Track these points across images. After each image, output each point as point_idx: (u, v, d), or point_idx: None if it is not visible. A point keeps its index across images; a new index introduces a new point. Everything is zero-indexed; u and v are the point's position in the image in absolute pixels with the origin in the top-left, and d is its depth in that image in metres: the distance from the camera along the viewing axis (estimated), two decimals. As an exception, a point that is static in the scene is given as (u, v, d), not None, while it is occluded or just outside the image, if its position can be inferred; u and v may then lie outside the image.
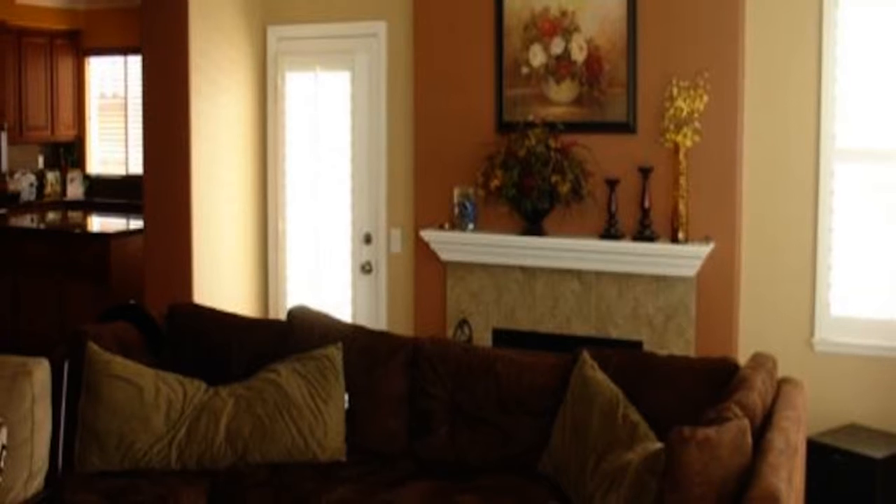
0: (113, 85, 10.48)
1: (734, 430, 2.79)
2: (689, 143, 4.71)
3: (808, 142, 4.77)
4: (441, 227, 5.31)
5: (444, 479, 3.75)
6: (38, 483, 3.35)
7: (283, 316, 4.78)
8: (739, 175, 4.82)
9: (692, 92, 4.70)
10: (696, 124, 4.71)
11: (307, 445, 3.93)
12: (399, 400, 4.10)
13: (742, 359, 3.96)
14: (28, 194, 9.97)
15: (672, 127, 4.75)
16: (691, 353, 4.68)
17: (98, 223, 8.21)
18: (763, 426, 3.08)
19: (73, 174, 10.44)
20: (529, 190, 4.88)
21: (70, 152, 10.50)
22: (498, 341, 5.13)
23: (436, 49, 5.36)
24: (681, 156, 4.73)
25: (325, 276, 6.04)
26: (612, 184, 4.87)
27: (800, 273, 4.82)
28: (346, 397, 4.08)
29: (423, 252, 5.39)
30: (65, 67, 10.24)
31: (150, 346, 4.39)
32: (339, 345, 4.15)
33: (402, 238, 5.69)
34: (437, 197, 5.35)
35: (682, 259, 4.73)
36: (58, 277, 7.19)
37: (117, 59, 10.25)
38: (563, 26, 5.02)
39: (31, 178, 10.08)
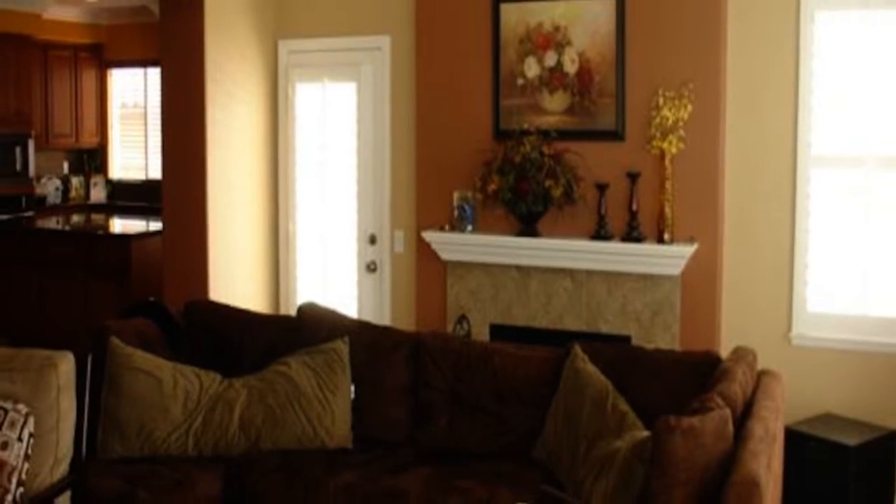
0: (133, 95, 10.48)
1: (717, 419, 2.78)
2: (674, 149, 4.71)
3: (786, 149, 4.77)
4: (441, 229, 5.30)
5: (444, 465, 3.75)
6: (63, 468, 3.35)
7: (293, 312, 4.77)
8: (721, 180, 4.82)
9: (677, 102, 4.70)
10: (681, 132, 4.71)
11: (316, 433, 3.93)
12: (402, 391, 4.10)
13: (724, 352, 3.97)
14: (54, 198, 9.98)
15: (658, 134, 4.75)
16: (676, 346, 4.68)
17: (119, 225, 8.21)
18: (744, 415, 3.07)
19: (97, 179, 10.43)
20: (524, 194, 4.88)
21: (93, 158, 10.50)
22: (495, 336, 5.12)
23: (436, 61, 5.36)
24: (666, 162, 4.73)
25: (333, 274, 6.04)
26: (601, 188, 4.86)
27: (778, 271, 4.81)
28: (353, 388, 4.08)
29: (424, 252, 5.39)
30: (88, 79, 10.24)
31: (168, 341, 4.39)
32: (346, 339, 4.15)
33: (404, 239, 5.69)
34: (438, 200, 5.35)
35: (668, 259, 4.73)
36: (82, 276, 7.19)
37: (137, 71, 10.25)
38: (556, 40, 5.02)
39: (57, 182, 10.09)
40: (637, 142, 4.85)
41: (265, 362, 4.14)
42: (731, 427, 2.83)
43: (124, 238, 7.25)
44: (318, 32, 5.91)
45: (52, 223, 8.53)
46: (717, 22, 4.73)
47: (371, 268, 5.85)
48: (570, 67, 4.99)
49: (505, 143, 5.04)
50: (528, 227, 5.03)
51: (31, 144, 9.20)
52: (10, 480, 3.09)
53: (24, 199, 9.16)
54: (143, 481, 3.66)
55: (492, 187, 4.98)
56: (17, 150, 9.05)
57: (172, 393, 3.96)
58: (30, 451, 3.17)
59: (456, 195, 5.25)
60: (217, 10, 5.58)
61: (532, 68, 5.09)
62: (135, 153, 10.48)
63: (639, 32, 4.84)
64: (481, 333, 5.17)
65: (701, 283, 4.77)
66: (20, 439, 3.13)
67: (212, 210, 5.61)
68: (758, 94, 4.79)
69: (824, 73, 4.69)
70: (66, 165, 10.35)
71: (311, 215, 6.08)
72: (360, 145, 5.85)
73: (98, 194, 10.40)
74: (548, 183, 4.83)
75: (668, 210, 4.73)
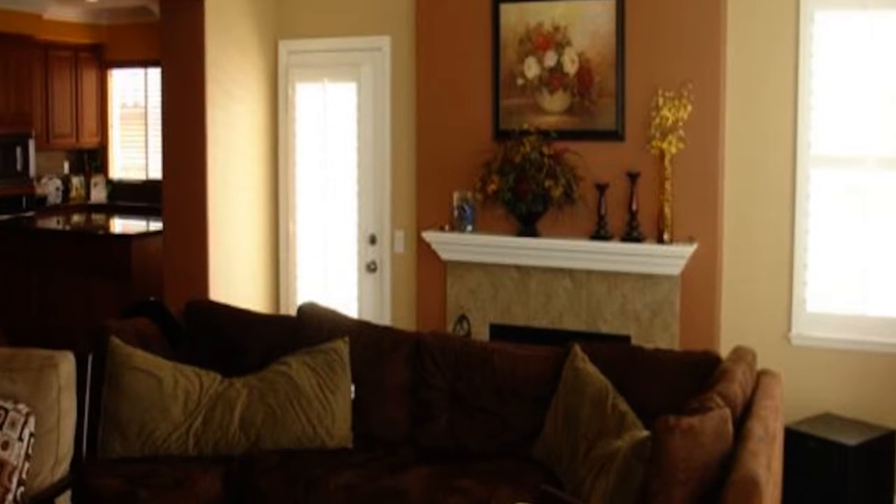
0: (134, 95, 10.47)
1: (716, 419, 2.78)
2: (673, 149, 4.71)
3: (785, 149, 4.77)
4: (441, 229, 5.30)
5: (444, 464, 3.75)
6: (63, 468, 3.34)
7: (293, 312, 4.77)
8: (721, 180, 4.82)
9: (677, 102, 4.70)
10: (681, 132, 4.71)
11: (316, 433, 3.93)
12: (402, 390, 4.10)
13: (723, 352, 3.97)
14: (54, 198, 9.97)
15: (658, 135, 4.75)
16: (676, 346, 4.68)
17: (120, 225, 8.20)
18: (743, 415, 3.07)
19: (97, 179, 10.43)
20: (524, 194, 4.88)
21: (94, 158, 10.49)
22: (494, 335, 5.12)
23: (437, 62, 5.36)
24: (666, 162, 4.73)
25: (333, 274, 6.04)
26: (601, 188, 4.86)
27: (777, 271, 4.81)
28: (353, 388, 4.07)
29: (424, 252, 5.39)
30: (89, 79, 10.23)
31: (168, 340, 4.39)
32: (346, 339, 4.15)
33: (405, 239, 5.68)
34: (438, 200, 5.35)
35: (667, 259, 4.73)
36: (82, 276, 7.17)
37: (138, 71, 10.24)
38: (555, 40, 5.02)
39: (58, 182, 10.08)
40: (637, 142, 4.85)
41: (265, 362, 4.14)
42: (730, 427, 2.83)
43: (125, 238, 7.23)
44: (319, 33, 5.91)
45: (53, 223, 8.52)
46: (716, 22, 4.72)
47: (371, 268, 5.85)
48: (570, 68, 4.99)
49: (505, 143, 5.04)
50: (527, 227, 5.03)
51: (31, 144, 9.19)
52: (10, 480, 3.08)
53: (24, 200, 9.16)
54: (143, 481, 3.66)
55: (492, 187, 4.98)
56: (18, 150, 9.04)
57: (173, 392, 3.96)
58: (30, 451, 3.17)
59: (456, 195, 5.25)
60: (217, 11, 5.58)
61: (532, 68, 5.09)
62: (135, 153, 10.47)
63: (638, 33, 4.84)
64: (481, 333, 5.17)
65: (700, 283, 4.76)
66: (21, 439, 3.13)
67: (212, 210, 5.61)
68: (757, 94, 4.79)
69: (823, 72, 4.69)
70: (66, 165, 10.35)
71: (311, 215, 6.08)
72: (361, 145, 5.85)
73: (98, 194, 10.39)
74: (547, 183, 4.83)
75: (667, 210, 4.73)
